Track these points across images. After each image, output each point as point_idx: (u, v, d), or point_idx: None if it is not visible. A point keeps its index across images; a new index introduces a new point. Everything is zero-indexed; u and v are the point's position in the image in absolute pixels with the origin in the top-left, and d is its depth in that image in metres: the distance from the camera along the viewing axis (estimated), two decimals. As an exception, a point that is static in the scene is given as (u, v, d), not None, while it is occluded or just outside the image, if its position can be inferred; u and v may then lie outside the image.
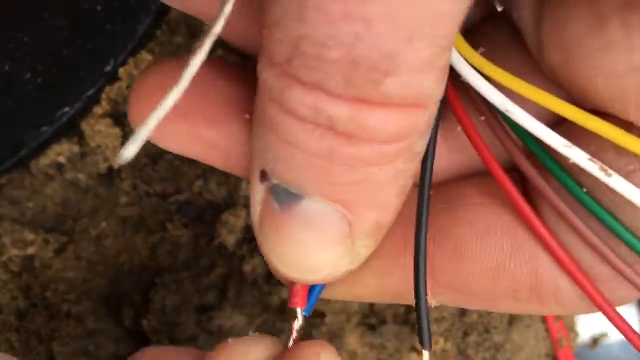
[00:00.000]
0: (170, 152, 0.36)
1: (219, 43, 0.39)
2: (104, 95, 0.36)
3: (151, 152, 0.37)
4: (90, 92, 0.35)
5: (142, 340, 0.38)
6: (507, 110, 0.16)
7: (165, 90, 0.15)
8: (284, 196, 0.17)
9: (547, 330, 0.40)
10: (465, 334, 0.36)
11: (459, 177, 0.21)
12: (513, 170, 0.18)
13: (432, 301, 0.20)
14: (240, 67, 0.20)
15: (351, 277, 0.19)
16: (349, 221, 0.17)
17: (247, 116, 0.18)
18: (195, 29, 0.37)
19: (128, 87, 0.36)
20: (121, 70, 0.35)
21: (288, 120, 0.15)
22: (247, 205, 0.37)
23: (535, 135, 0.16)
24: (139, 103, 0.19)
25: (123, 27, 0.35)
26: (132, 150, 0.14)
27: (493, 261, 0.19)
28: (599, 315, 0.47)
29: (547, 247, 0.18)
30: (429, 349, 0.19)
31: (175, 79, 0.15)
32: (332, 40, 0.14)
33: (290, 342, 0.20)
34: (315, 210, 0.17)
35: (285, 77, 0.15)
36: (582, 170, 0.16)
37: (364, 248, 0.18)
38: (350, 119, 0.15)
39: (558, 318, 0.42)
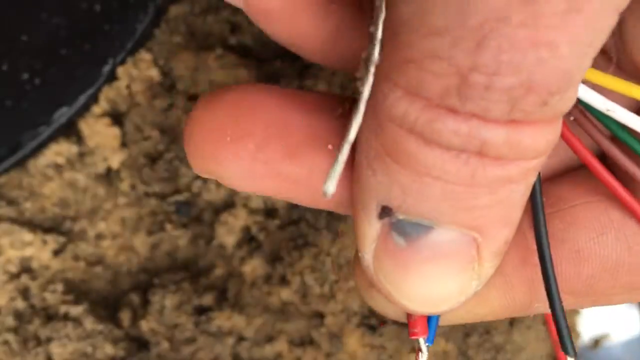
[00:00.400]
0: (170, 152, 0.36)
1: (218, 42, 0.39)
2: (102, 95, 0.36)
3: (150, 152, 0.37)
4: (89, 91, 0.35)
5: (140, 341, 0.38)
6: (607, 110, 0.17)
7: (222, 123, 0.15)
8: (411, 230, 0.16)
9: (548, 331, 0.40)
10: (466, 335, 0.36)
11: (552, 177, 0.21)
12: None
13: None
14: (312, 96, 0.19)
15: (474, 299, 0.18)
16: (478, 244, 0.16)
17: (330, 147, 0.18)
18: (194, 29, 0.37)
19: (127, 86, 0.36)
20: (120, 70, 0.35)
21: (431, 152, 0.15)
22: (246, 206, 0.37)
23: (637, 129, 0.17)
24: (203, 141, 0.18)
25: (122, 26, 0.35)
26: (331, 187, 0.15)
27: (612, 260, 0.19)
28: (601, 315, 0.47)
29: None
30: (574, 356, 0.19)
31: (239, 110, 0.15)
32: (511, 68, 0.13)
33: None
34: (444, 239, 0.16)
35: (436, 109, 0.14)
36: None
37: (491, 269, 0.17)
38: (506, 141, 0.14)
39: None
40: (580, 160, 0.18)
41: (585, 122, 0.18)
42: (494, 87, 0.14)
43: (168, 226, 0.38)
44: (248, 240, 0.37)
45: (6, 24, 0.35)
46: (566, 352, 0.19)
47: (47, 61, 0.35)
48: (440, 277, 0.17)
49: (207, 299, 0.37)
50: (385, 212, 0.16)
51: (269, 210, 0.37)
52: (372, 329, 0.36)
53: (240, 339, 0.36)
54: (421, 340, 0.19)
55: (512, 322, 0.38)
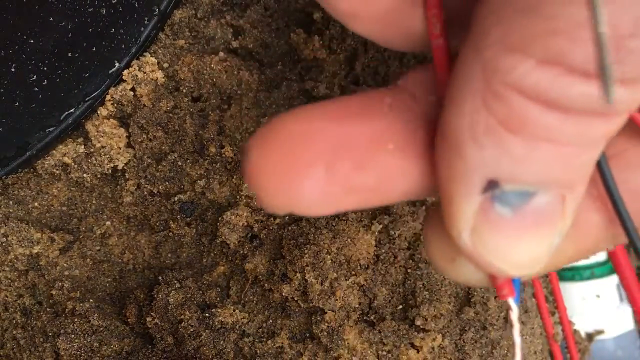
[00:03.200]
0: (174, 153, 0.37)
1: (221, 45, 0.39)
2: (108, 97, 0.36)
3: (154, 153, 0.37)
4: (95, 93, 0.36)
5: (145, 337, 0.38)
6: None
7: (284, 156, 0.16)
8: (515, 199, 0.17)
9: (543, 326, 0.41)
10: (463, 331, 0.36)
11: None
12: None
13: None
14: (356, 100, 0.19)
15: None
16: (565, 202, 0.18)
17: (391, 146, 0.18)
18: (197, 32, 0.37)
19: (132, 89, 0.36)
20: (125, 73, 0.36)
21: (552, 115, 0.16)
22: (248, 205, 0.37)
23: None
24: (271, 179, 0.18)
25: (127, 30, 0.35)
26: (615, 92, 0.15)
27: None
28: (596, 313, 0.47)
29: None
30: None
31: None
32: None
33: (515, 334, 0.20)
34: (544, 202, 0.17)
35: (572, 75, 0.15)
36: None
37: (569, 224, 0.18)
38: (629, 100, 0.15)
39: (553, 313, 0.42)
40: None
41: None
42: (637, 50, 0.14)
43: (172, 225, 0.38)
44: (250, 238, 0.37)
45: (15, 27, 0.35)
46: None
47: (55, 64, 0.35)
48: (538, 240, 0.18)
49: (211, 296, 0.37)
50: (491, 185, 0.17)
51: None
52: (371, 324, 0.36)
53: (243, 334, 0.36)
54: (510, 300, 0.20)
55: (508, 318, 0.38)
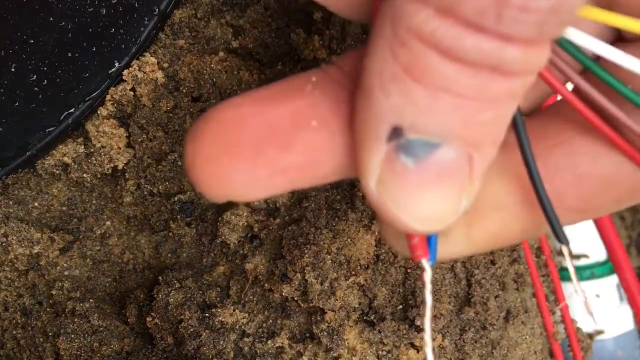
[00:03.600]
0: (174, 153, 0.37)
1: (221, 45, 0.39)
2: (108, 97, 0.36)
3: (154, 153, 0.37)
4: (95, 93, 0.36)
5: (145, 337, 0.38)
6: (584, 44, 0.18)
7: (214, 146, 0.17)
8: (419, 150, 0.17)
9: (544, 326, 0.41)
10: (463, 331, 0.36)
11: (529, 114, 0.23)
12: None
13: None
14: (278, 87, 0.20)
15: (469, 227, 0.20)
16: (472, 162, 0.18)
17: (314, 123, 0.19)
18: (197, 32, 0.37)
19: (132, 89, 0.36)
20: (125, 73, 0.36)
21: (451, 66, 0.16)
22: (248, 205, 0.37)
23: (597, 52, 0.18)
24: (205, 170, 0.19)
25: (127, 30, 0.35)
26: None
27: (607, 179, 0.21)
28: (595, 312, 0.47)
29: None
30: (567, 243, 0.21)
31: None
32: None
33: (427, 294, 0.20)
34: (448, 157, 0.18)
35: (465, 26, 0.15)
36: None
37: (477, 188, 0.19)
38: (521, 58, 0.16)
39: (553, 312, 0.42)
40: (559, 94, 0.20)
41: (555, 58, 0.19)
42: (528, 7, 0.15)
43: (172, 225, 0.38)
44: (250, 238, 0.37)
45: (15, 27, 0.35)
46: (560, 240, 0.21)
47: (55, 63, 0.35)
48: (442, 195, 0.18)
49: (211, 296, 0.37)
50: (395, 133, 0.17)
51: (271, 210, 0.37)
52: (371, 324, 0.36)
53: (243, 334, 0.36)
54: (424, 261, 0.20)
55: (508, 318, 0.38)
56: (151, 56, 0.36)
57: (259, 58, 0.37)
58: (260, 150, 0.19)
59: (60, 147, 0.36)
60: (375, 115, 0.18)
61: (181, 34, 0.36)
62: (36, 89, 0.35)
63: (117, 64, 0.36)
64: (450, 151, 0.17)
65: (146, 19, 0.36)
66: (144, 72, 0.36)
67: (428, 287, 0.20)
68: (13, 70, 0.35)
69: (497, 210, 0.21)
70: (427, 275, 0.20)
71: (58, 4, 0.35)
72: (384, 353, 0.35)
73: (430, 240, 0.20)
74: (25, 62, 0.35)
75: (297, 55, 0.37)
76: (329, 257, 0.35)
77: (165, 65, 0.36)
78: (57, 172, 0.37)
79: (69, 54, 0.35)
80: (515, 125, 0.20)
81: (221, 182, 0.19)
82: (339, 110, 0.19)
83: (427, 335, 0.21)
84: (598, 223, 0.38)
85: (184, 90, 0.37)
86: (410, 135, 0.17)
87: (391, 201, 0.18)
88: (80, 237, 0.39)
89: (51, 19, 0.35)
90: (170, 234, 0.38)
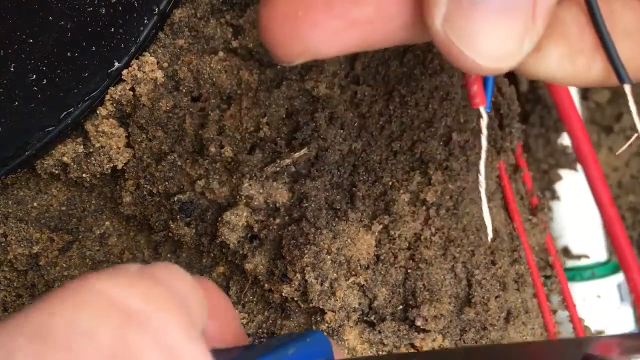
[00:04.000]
0: (173, 152, 0.37)
1: (221, 45, 0.38)
2: (107, 97, 0.36)
3: (154, 153, 0.37)
4: (95, 93, 0.36)
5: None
6: None
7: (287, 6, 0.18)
8: None
9: (544, 325, 0.41)
10: (463, 332, 0.36)
11: None
12: None
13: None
14: None
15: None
16: (535, 2, 0.19)
17: None
18: (197, 32, 0.37)
19: (131, 88, 0.36)
20: (125, 72, 0.36)
21: None
22: (248, 205, 0.37)
23: None
24: (280, 28, 0.20)
25: (126, 29, 0.35)
26: None
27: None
28: (595, 313, 0.47)
29: None
30: (629, 82, 0.22)
31: None
32: None
33: (483, 139, 0.23)
34: None
35: None
36: None
37: (541, 29, 0.20)
38: None
39: (554, 312, 0.42)
40: None
41: None
42: None
43: (172, 225, 0.38)
44: (250, 238, 0.37)
45: (14, 27, 0.35)
46: (622, 80, 0.22)
47: (54, 63, 0.35)
48: (506, 30, 0.19)
49: (210, 296, 0.37)
50: None
51: (271, 210, 0.37)
52: (371, 325, 0.36)
53: (243, 335, 0.36)
54: (482, 108, 0.22)
55: (508, 318, 0.38)
56: (151, 56, 0.36)
57: (259, 58, 0.37)
58: (332, 2, 0.19)
59: (60, 147, 0.37)
60: None
61: (181, 34, 0.37)
62: (35, 88, 0.35)
63: (116, 64, 0.36)
64: None
65: (146, 18, 0.36)
66: (144, 72, 0.36)
67: (484, 133, 0.23)
68: (12, 69, 0.35)
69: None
70: (484, 122, 0.22)
71: (57, 4, 0.35)
72: (384, 353, 0.35)
73: (486, 89, 0.22)
74: (24, 61, 0.35)
75: (297, 55, 0.37)
76: (329, 257, 0.35)
77: (165, 64, 0.36)
78: (57, 172, 0.37)
79: (68, 54, 0.35)
80: None
81: (297, 38, 0.20)
82: None
83: (482, 177, 0.23)
84: (606, 221, 0.38)
85: (184, 90, 0.37)
86: None
87: (457, 38, 0.19)
88: (80, 237, 0.39)
89: (50, 18, 0.35)
90: (170, 234, 0.38)
